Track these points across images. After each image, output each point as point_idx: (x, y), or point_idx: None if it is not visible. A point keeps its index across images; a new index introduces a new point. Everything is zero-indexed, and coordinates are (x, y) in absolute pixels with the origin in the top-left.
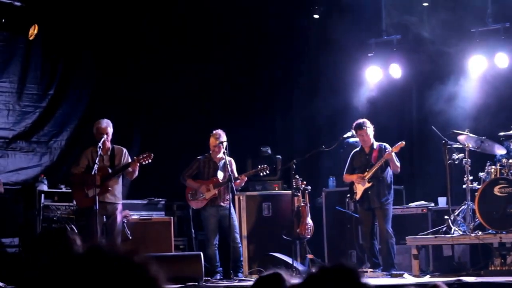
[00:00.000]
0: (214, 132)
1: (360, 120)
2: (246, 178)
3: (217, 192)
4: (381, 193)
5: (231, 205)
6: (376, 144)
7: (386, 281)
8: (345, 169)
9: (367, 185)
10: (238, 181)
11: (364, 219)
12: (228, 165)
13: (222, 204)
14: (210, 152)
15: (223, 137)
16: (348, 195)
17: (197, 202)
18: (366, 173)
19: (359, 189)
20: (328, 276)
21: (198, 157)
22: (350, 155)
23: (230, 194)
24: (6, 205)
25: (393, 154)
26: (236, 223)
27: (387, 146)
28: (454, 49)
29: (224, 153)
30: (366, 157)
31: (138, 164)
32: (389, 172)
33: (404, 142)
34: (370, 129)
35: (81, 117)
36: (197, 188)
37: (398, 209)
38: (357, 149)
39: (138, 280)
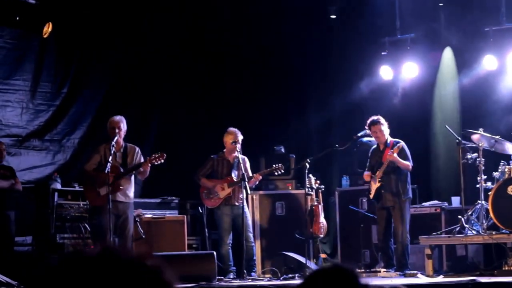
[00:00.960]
0: (229, 130)
1: (375, 117)
2: (260, 177)
3: (231, 191)
4: (394, 191)
5: (245, 204)
6: (390, 141)
7: (400, 281)
8: (366, 167)
9: (378, 184)
10: (252, 179)
11: (379, 218)
12: (242, 164)
13: (236, 203)
14: (224, 150)
15: (239, 136)
16: (367, 193)
17: (212, 201)
18: (377, 172)
19: (372, 187)
20: (326, 277)
21: (212, 156)
22: (369, 152)
23: (244, 193)
24: (19, 204)
25: (395, 154)
26: (250, 222)
27: (400, 143)
28: (468, 48)
29: (238, 151)
30: (379, 154)
31: (150, 165)
32: (402, 170)
33: (401, 144)
34: (384, 126)
35: (95, 115)
36: (212, 187)
37: (412, 208)
38: (375, 146)
39: (151, 284)
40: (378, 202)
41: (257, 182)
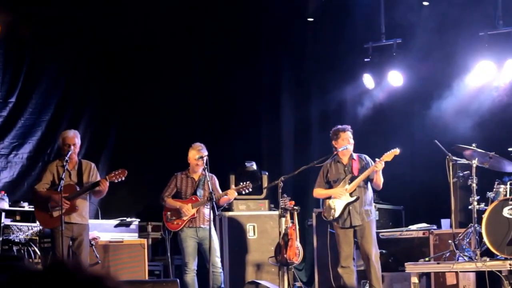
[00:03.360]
0: (193, 145)
1: (345, 126)
2: (235, 194)
3: (195, 212)
4: (364, 209)
5: (212, 226)
6: (355, 155)
7: None
8: (316, 183)
9: (350, 199)
10: (226, 197)
11: (342, 239)
12: (209, 182)
13: (202, 225)
14: (189, 168)
15: (204, 151)
16: (324, 213)
17: (174, 223)
18: (348, 187)
19: (339, 204)
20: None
21: (176, 174)
22: (322, 168)
23: (211, 214)
24: None
25: (382, 166)
26: (217, 246)
27: (367, 157)
28: (461, 54)
29: (204, 169)
30: (345, 168)
31: (108, 183)
32: (369, 187)
33: (398, 150)
34: (352, 136)
35: (46, 128)
36: (179, 208)
37: (397, 232)
38: (329, 160)
39: None
40: (343, 221)
41: (231, 200)
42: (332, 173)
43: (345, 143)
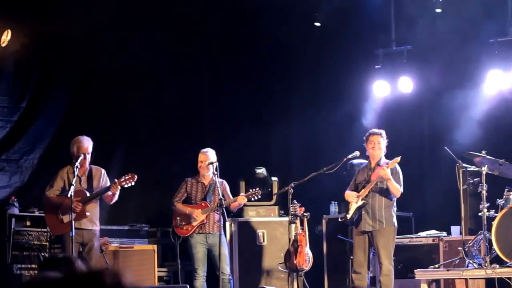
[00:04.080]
0: (202, 150)
1: (377, 129)
2: (245, 200)
3: (205, 218)
4: (376, 215)
5: (222, 232)
6: (383, 162)
7: None
8: (348, 186)
9: (360, 202)
10: (236, 203)
11: (356, 245)
12: (219, 188)
13: (211, 231)
14: (199, 173)
15: (213, 157)
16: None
17: (184, 229)
18: (362, 190)
19: (352, 206)
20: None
21: (186, 178)
22: (357, 170)
23: (221, 220)
24: None
25: (389, 172)
26: (227, 252)
27: (395, 165)
28: (471, 62)
29: (214, 174)
30: (368, 172)
31: (119, 187)
32: (388, 194)
33: (399, 158)
34: (383, 141)
35: (56, 133)
36: (189, 214)
37: (406, 238)
38: (364, 164)
39: None
40: (356, 225)
41: (241, 206)
42: (359, 177)
43: (371, 146)
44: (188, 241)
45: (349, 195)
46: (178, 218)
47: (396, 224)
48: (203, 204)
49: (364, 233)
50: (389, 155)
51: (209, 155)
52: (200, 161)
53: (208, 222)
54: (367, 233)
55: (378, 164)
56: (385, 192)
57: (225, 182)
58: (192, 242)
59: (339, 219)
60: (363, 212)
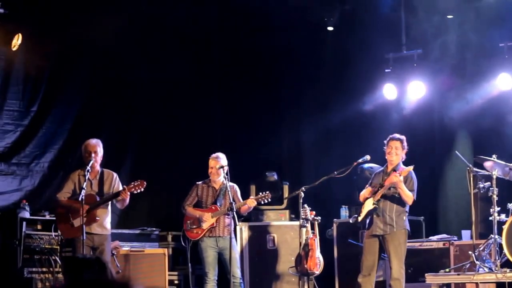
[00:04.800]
0: (212, 156)
1: (400, 135)
2: (254, 203)
3: (215, 221)
4: (387, 219)
5: (233, 235)
6: (401, 167)
7: None
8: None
9: (371, 206)
10: (245, 206)
11: (366, 248)
12: (230, 192)
13: (222, 234)
14: (210, 177)
15: (224, 161)
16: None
17: (194, 232)
18: (374, 195)
19: (364, 208)
20: None
21: (197, 182)
22: (374, 173)
23: (232, 224)
24: None
25: (401, 179)
26: (238, 256)
27: (410, 172)
28: (481, 66)
29: (225, 178)
30: (384, 177)
31: (129, 193)
32: (400, 199)
33: (412, 167)
34: (403, 147)
35: (67, 137)
36: (199, 217)
37: (417, 242)
38: (381, 168)
39: None
40: (367, 228)
41: (251, 209)
42: (374, 180)
43: (388, 151)
44: (198, 245)
45: (365, 191)
46: (188, 221)
47: (408, 228)
48: (213, 207)
49: (375, 236)
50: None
51: (219, 160)
52: (210, 166)
53: (218, 226)
54: (378, 237)
55: (394, 170)
56: (397, 198)
57: (236, 186)
58: (203, 246)
59: (351, 220)
60: (374, 216)
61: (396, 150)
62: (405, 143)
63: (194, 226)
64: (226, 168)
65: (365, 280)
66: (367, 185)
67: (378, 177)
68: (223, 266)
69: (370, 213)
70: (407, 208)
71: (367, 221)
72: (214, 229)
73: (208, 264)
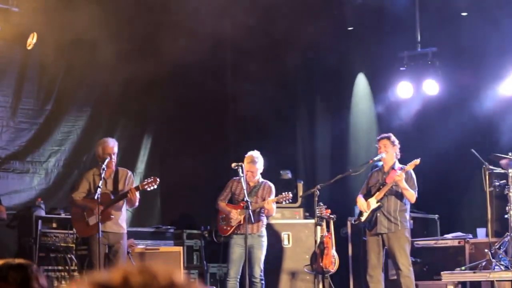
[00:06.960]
0: (247, 154)
1: (386, 134)
2: (270, 205)
3: (242, 219)
4: (391, 218)
5: (263, 234)
6: (398, 166)
7: None
8: (361, 189)
9: (375, 205)
10: (265, 210)
11: (370, 246)
12: (261, 190)
13: (250, 232)
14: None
15: (257, 162)
16: (357, 216)
17: (224, 228)
18: (377, 193)
19: (366, 208)
20: None
21: (234, 178)
22: (369, 173)
23: (264, 222)
24: None
25: (403, 177)
26: (262, 256)
27: (409, 170)
28: (495, 64)
29: (257, 176)
30: (382, 176)
31: (138, 192)
32: (402, 197)
33: (418, 160)
34: (392, 144)
35: (82, 135)
36: (228, 213)
37: (432, 240)
38: (376, 168)
39: None
40: (370, 227)
41: (273, 213)
42: (371, 180)
43: (382, 151)
44: (229, 241)
45: (361, 204)
46: (221, 217)
47: (409, 226)
48: (241, 204)
49: (377, 235)
50: (413, 156)
51: (249, 161)
52: (246, 170)
53: (245, 223)
54: (380, 235)
55: (392, 168)
56: (400, 196)
57: (272, 187)
58: (231, 242)
59: (353, 221)
60: (378, 214)
61: (386, 148)
62: (393, 139)
63: (225, 222)
64: (242, 165)
65: (372, 279)
66: (363, 185)
67: (376, 176)
68: (250, 263)
69: (374, 212)
70: (409, 207)
71: (372, 219)
72: (242, 226)
73: (232, 261)
